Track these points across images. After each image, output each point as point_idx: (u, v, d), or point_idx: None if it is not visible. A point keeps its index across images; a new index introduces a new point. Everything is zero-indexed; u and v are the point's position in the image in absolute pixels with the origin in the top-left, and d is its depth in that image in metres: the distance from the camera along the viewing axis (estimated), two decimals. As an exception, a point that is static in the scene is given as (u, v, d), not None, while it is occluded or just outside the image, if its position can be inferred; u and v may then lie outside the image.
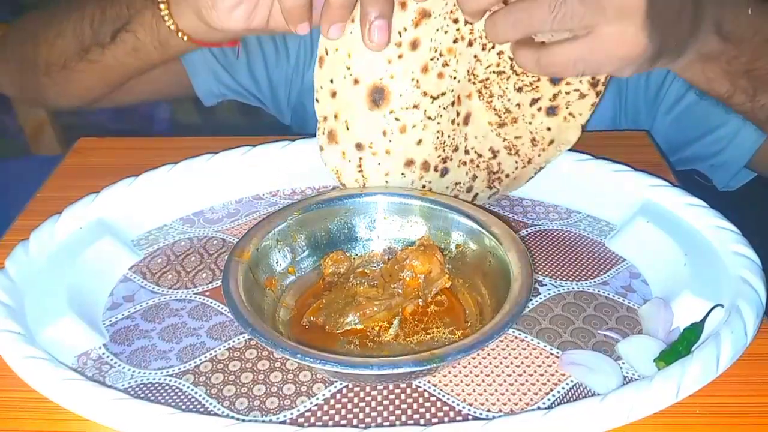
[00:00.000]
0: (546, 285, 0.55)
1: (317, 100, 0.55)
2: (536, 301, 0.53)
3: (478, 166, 0.61)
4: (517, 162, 0.61)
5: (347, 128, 0.56)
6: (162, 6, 0.64)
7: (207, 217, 0.63)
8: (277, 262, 0.54)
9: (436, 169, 0.59)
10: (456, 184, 0.60)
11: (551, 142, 0.60)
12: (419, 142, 0.57)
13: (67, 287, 0.51)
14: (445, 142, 0.58)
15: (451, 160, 0.59)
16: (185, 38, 0.65)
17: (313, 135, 0.58)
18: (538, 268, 0.56)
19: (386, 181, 0.58)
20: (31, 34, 0.76)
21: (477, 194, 0.62)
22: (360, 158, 0.57)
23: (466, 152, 0.60)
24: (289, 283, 0.54)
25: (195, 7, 0.61)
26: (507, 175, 0.62)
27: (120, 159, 0.70)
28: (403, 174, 0.58)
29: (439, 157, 0.58)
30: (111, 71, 0.73)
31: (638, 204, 0.60)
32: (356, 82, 0.54)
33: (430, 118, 0.56)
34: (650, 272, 0.56)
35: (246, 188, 0.65)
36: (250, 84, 0.86)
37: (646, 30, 0.50)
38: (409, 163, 0.58)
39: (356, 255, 0.57)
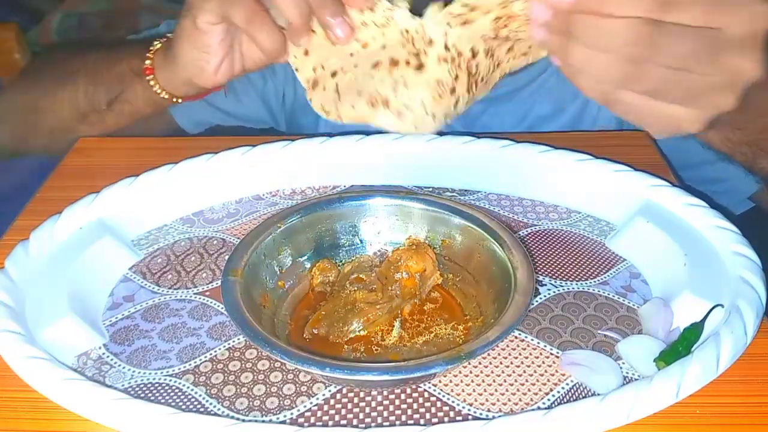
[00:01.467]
0: (546, 285, 0.55)
1: (297, 69, 0.57)
2: (536, 301, 0.53)
3: (459, 65, 0.58)
4: (490, 65, 0.59)
5: (323, 68, 0.57)
6: (151, 82, 0.68)
7: (207, 217, 0.63)
8: (266, 278, 0.53)
9: (408, 63, 0.57)
10: (438, 83, 0.58)
11: (524, 54, 0.58)
12: (384, 47, 0.57)
13: (67, 287, 0.51)
14: (412, 38, 0.56)
15: (425, 54, 0.57)
16: (178, 100, 0.70)
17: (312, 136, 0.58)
18: (538, 268, 0.56)
19: (358, 91, 0.57)
20: (31, 102, 0.81)
21: (458, 99, 0.59)
22: (336, 83, 0.57)
23: (447, 48, 0.57)
24: (280, 297, 0.53)
25: (184, 77, 0.64)
26: (482, 79, 0.60)
27: (120, 159, 0.70)
28: (372, 76, 0.57)
29: (408, 52, 0.57)
30: (110, 128, 0.77)
31: (638, 204, 0.60)
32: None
33: (384, 25, 0.56)
34: (650, 272, 0.56)
35: (246, 188, 0.65)
36: (237, 110, 0.86)
37: (707, 116, 0.49)
38: (376, 64, 0.57)
39: (343, 262, 0.56)
